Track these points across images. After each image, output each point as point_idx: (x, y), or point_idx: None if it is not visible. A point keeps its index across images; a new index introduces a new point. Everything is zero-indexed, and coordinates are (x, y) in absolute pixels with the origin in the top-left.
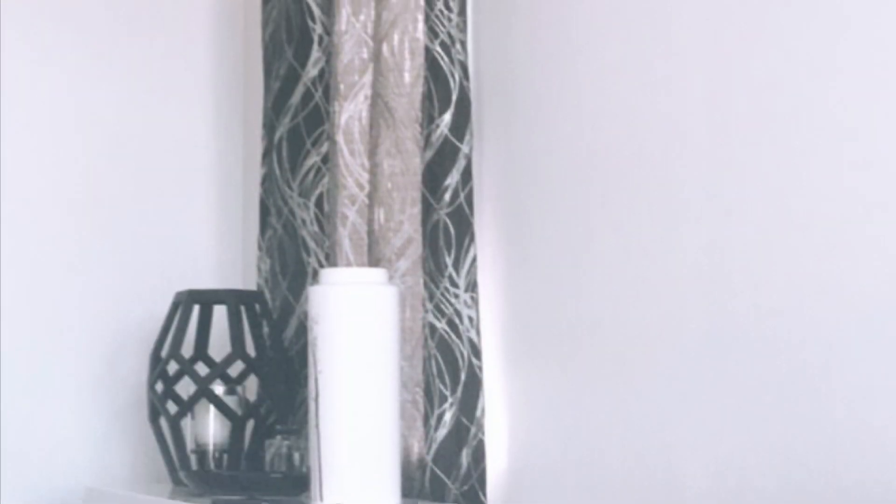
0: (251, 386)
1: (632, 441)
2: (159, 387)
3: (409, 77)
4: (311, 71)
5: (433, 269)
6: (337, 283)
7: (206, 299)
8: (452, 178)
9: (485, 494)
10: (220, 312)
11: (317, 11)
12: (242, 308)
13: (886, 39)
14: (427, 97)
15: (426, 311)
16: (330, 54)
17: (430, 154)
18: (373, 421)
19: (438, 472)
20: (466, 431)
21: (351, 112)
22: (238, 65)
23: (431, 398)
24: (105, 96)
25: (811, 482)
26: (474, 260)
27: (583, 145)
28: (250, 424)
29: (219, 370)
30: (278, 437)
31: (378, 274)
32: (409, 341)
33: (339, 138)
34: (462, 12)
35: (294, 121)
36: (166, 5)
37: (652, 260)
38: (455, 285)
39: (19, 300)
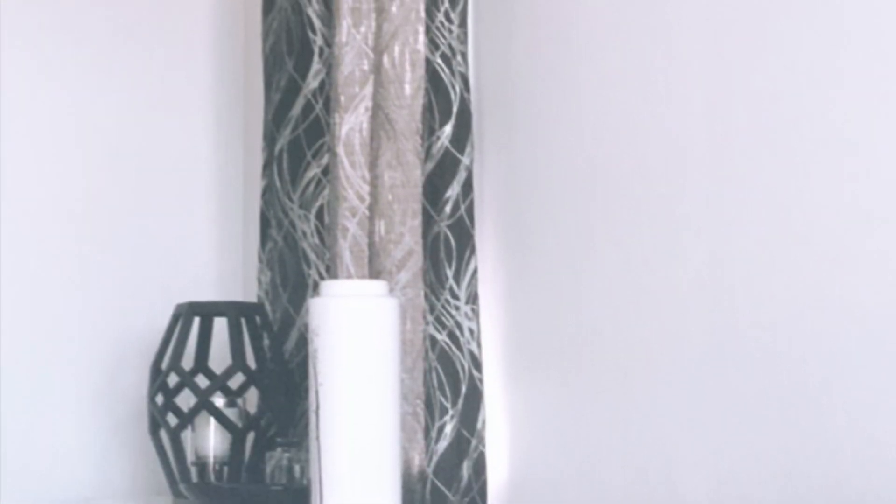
0: (252, 398)
1: (633, 454)
2: (160, 399)
3: (409, 89)
4: (312, 83)
5: (434, 281)
6: (337, 295)
7: (207, 311)
8: (453, 190)
9: None
10: (220, 324)
11: (317, 23)
12: (243, 320)
13: (887, 52)
14: (428, 109)
15: (427, 324)
16: (330, 66)
17: (430, 166)
18: (373, 433)
19: (439, 484)
20: (467, 444)
21: (351, 124)
22: (239, 77)
23: (432, 410)
24: (105, 108)
25: (812, 495)
26: (475, 272)
27: (583, 157)
28: (251, 437)
29: (219, 382)
30: (279, 450)
31: (379, 286)
32: (410, 353)
33: (340, 150)
34: (463, 24)
35: (294, 133)
36: (167, 17)
37: (653, 272)
38: (456, 297)
39: (20, 312)
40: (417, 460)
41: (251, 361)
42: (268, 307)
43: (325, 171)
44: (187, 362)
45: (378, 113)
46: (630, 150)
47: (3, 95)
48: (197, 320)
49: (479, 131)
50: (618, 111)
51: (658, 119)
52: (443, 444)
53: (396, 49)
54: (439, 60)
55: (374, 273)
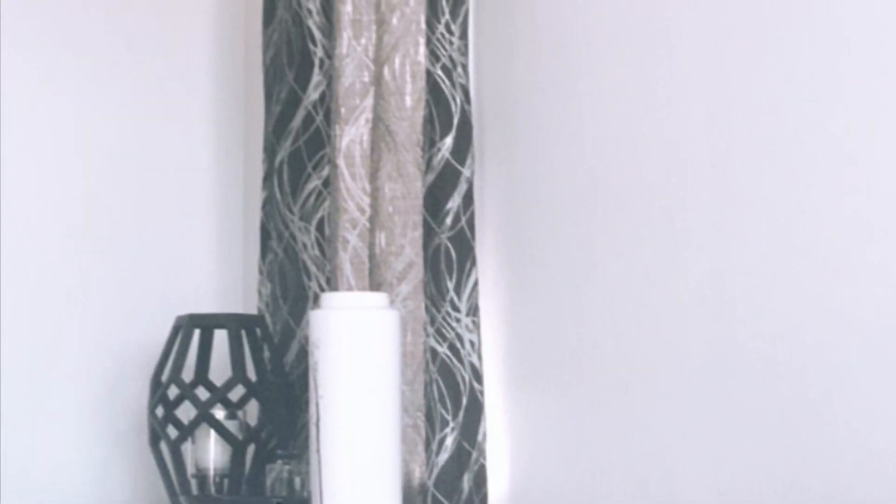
0: (252, 410)
1: (633, 466)
2: (160, 411)
3: (410, 100)
4: (312, 94)
5: (434, 293)
6: (338, 307)
7: (207, 324)
8: (454, 202)
9: None
10: (220, 337)
11: (318, 35)
12: (243, 332)
13: (887, 64)
14: (428, 121)
15: (427, 336)
16: (331, 78)
17: (431, 178)
18: (374, 445)
19: (440, 496)
20: (468, 456)
21: (352, 136)
22: (239, 88)
23: (433, 423)
24: (106, 119)
25: None
26: (476, 284)
27: (584, 169)
28: (251, 449)
29: (219, 395)
30: (279, 462)
31: (379, 298)
32: (411, 366)
33: (341, 162)
34: (463, 36)
35: (295, 144)
36: (168, 27)
37: (653, 285)
38: (456, 309)
39: (20, 324)
40: (418, 473)
41: (251, 374)
42: (268, 319)
43: (326, 183)
44: (187, 374)
45: (379, 125)
46: (631, 162)
47: (3, 106)
48: (197, 332)
49: (480, 143)
50: (618, 123)
51: (658, 131)
52: (443, 457)
53: (397, 61)
54: (440, 72)
55: (375, 285)
